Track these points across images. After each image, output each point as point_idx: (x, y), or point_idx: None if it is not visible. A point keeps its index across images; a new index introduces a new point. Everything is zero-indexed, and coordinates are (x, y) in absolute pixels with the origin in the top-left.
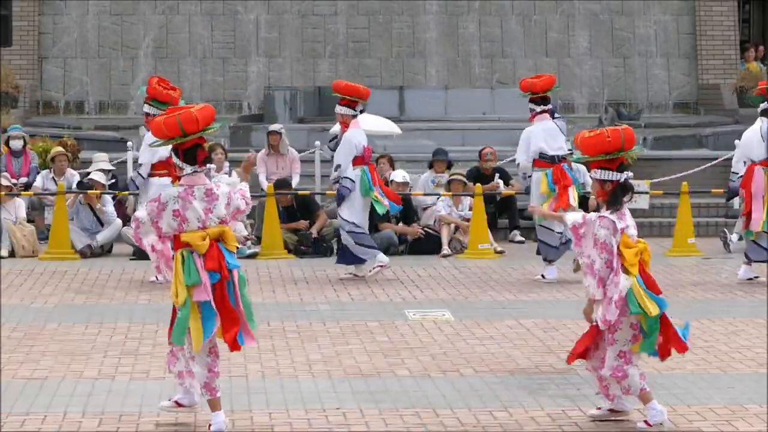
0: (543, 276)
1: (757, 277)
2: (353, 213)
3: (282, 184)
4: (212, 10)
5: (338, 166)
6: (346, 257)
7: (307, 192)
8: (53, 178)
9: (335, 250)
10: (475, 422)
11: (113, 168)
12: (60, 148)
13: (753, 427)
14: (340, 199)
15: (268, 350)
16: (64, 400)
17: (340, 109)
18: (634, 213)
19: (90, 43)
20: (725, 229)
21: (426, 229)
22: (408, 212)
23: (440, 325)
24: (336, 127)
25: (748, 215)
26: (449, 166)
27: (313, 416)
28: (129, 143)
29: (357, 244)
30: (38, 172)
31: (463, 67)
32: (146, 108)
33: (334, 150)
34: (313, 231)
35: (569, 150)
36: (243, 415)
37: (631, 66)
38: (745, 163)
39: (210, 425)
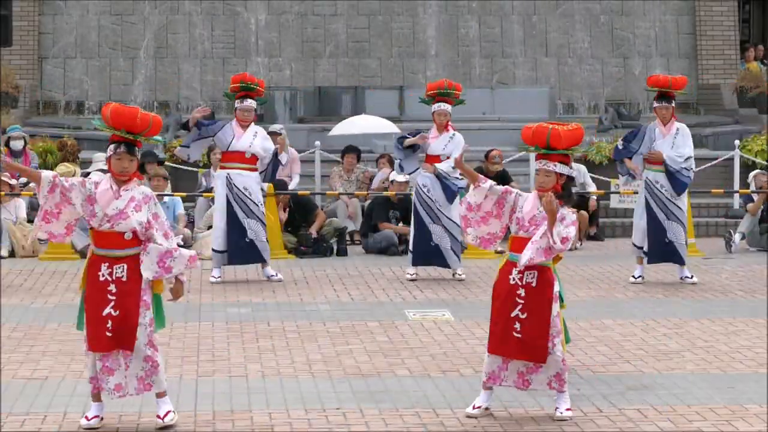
0: None
1: None
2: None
3: (278, 186)
4: (212, 10)
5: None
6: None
7: (307, 192)
8: None
9: (335, 250)
10: (475, 422)
11: None
12: (68, 168)
13: (753, 427)
14: None
15: (268, 350)
16: (64, 400)
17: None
18: (635, 213)
19: (90, 43)
20: (731, 231)
21: None
22: (408, 212)
23: (440, 325)
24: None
25: None
26: None
27: (313, 416)
28: None
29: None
30: None
31: (463, 67)
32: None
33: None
34: (312, 231)
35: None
36: (243, 415)
37: (631, 66)
38: None
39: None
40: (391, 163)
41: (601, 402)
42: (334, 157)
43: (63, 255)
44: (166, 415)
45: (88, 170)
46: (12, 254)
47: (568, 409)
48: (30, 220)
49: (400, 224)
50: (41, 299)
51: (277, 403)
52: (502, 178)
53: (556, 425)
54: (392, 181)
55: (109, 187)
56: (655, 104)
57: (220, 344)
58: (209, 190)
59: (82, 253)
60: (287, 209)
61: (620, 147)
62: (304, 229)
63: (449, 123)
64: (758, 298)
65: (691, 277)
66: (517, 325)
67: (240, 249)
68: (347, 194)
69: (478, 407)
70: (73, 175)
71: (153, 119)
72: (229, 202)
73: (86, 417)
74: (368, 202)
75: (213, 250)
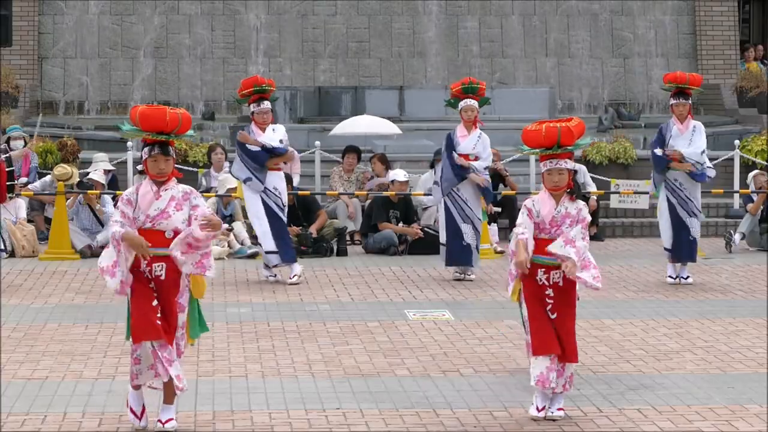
0: None
1: None
2: None
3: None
4: (212, 10)
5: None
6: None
7: (308, 192)
8: (55, 187)
9: (335, 250)
10: (475, 422)
11: (113, 168)
12: (66, 169)
13: (753, 427)
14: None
15: (268, 350)
16: (64, 400)
17: (469, 102)
18: (635, 213)
19: (90, 43)
20: (731, 231)
21: (426, 229)
22: (408, 212)
23: (440, 325)
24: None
25: None
26: None
27: (313, 416)
28: (129, 143)
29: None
30: (38, 172)
31: (463, 67)
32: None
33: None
34: (313, 231)
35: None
36: (243, 415)
37: (631, 66)
38: None
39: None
40: (381, 161)
41: (601, 402)
42: (334, 157)
43: (63, 255)
44: (167, 421)
45: (87, 170)
46: (12, 254)
47: (559, 409)
48: (30, 220)
49: (400, 224)
50: (41, 299)
51: (277, 403)
52: (499, 176)
53: (556, 425)
54: (392, 181)
55: (149, 189)
56: (672, 101)
57: (220, 344)
58: (209, 190)
59: (82, 253)
60: (290, 206)
61: (657, 153)
62: (305, 228)
63: (477, 119)
64: (758, 298)
65: (687, 277)
66: (552, 326)
67: (290, 249)
68: (347, 194)
69: (542, 409)
70: (71, 177)
71: (182, 116)
72: (265, 203)
73: (133, 411)
74: (368, 202)
75: (265, 252)
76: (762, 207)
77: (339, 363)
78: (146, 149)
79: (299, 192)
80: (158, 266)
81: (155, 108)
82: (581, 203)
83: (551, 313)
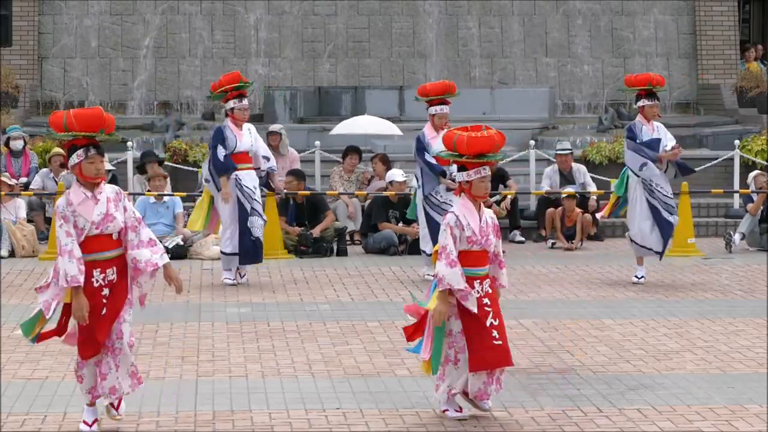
0: None
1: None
2: None
3: (298, 174)
4: (212, 10)
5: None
6: None
7: (308, 192)
8: (53, 177)
9: (335, 250)
10: (474, 422)
11: (113, 168)
12: (58, 149)
13: (753, 427)
14: None
15: (268, 350)
16: (64, 400)
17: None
18: None
19: (90, 43)
20: (731, 231)
21: None
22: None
23: None
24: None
25: None
26: None
27: (313, 416)
28: (129, 143)
29: None
30: (38, 172)
31: (463, 67)
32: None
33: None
34: (317, 231)
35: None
36: (243, 415)
37: (631, 66)
38: None
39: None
40: (383, 162)
41: (601, 402)
42: (334, 157)
43: None
44: (93, 423)
45: None
46: (12, 254)
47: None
48: (30, 220)
49: (400, 224)
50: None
51: (277, 403)
52: (501, 177)
53: (556, 425)
54: (391, 182)
55: (84, 196)
56: (646, 102)
57: (220, 344)
58: None
59: None
60: (300, 204)
61: (644, 153)
62: (306, 228)
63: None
64: (758, 298)
65: (641, 277)
66: (495, 333)
67: (248, 250)
68: (347, 194)
69: (459, 410)
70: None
71: (109, 117)
72: (240, 203)
73: (86, 422)
74: (368, 202)
75: (222, 252)
76: (762, 207)
77: (339, 363)
78: (81, 151)
79: (299, 193)
80: (110, 271)
81: (90, 109)
82: (488, 209)
83: (494, 320)
